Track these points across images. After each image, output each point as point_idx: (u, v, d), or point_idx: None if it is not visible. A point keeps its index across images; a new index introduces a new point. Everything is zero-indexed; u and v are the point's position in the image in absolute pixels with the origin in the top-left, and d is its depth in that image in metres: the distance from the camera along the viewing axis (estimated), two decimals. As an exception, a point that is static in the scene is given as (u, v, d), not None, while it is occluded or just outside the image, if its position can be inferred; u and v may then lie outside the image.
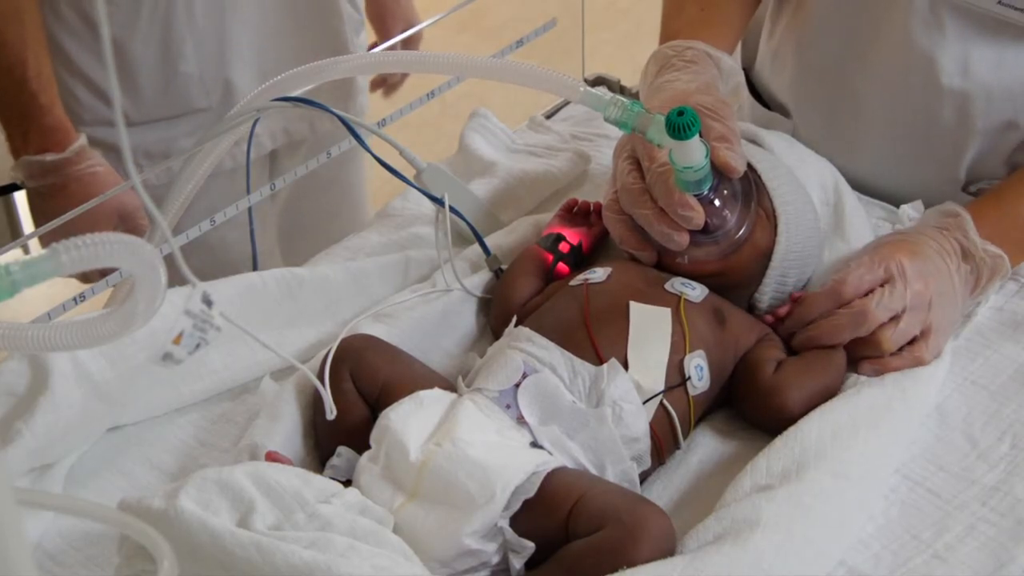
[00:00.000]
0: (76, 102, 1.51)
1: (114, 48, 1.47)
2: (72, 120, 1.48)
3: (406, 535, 0.91)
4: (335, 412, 1.00)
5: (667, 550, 0.90)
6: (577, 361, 1.01)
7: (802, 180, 1.21)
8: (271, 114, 1.24)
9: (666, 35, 1.32)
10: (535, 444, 0.97)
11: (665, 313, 1.06)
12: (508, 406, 0.99)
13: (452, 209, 1.21)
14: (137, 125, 1.53)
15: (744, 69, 1.49)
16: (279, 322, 1.16)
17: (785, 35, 1.37)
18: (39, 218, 1.47)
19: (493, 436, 0.96)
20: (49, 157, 1.41)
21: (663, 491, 1.03)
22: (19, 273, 0.70)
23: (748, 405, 1.08)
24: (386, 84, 1.82)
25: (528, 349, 1.02)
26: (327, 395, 1.00)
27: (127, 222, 1.45)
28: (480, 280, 1.20)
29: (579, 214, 1.24)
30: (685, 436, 1.05)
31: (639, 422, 0.99)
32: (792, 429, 1.00)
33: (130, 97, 1.52)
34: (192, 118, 1.55)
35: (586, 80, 1.60)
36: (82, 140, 1.44)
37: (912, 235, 1.15)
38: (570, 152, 1.42)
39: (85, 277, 1.27)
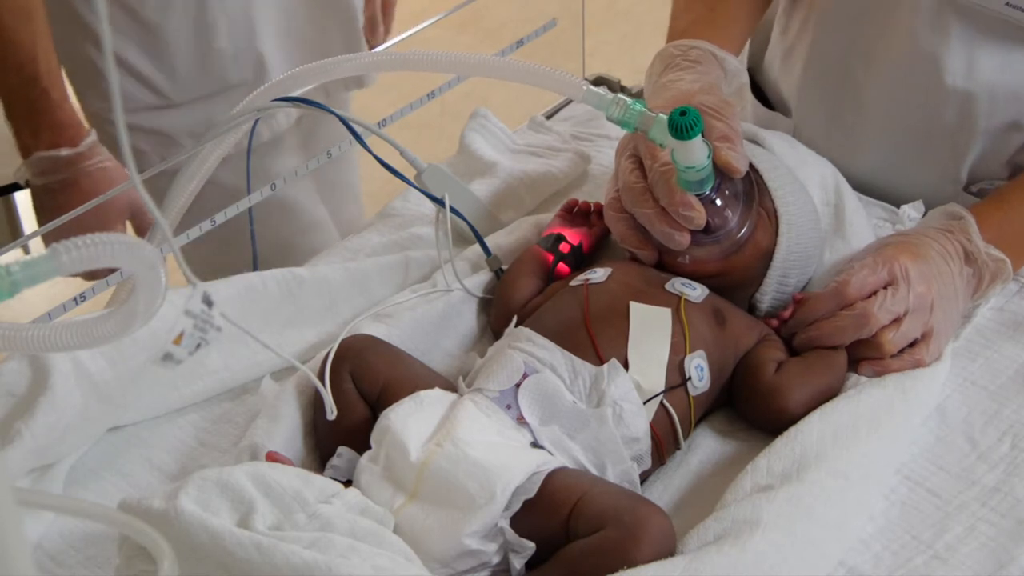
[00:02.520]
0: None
1: (150, 31, 1.50)
2: (110, 107, 1.48)
3: (406, 535, 0.91)
4: (335, 412, 1.00)
5: (667, 550, 0.90)
6: (578, 361, 1.01)
7: (803, 180, 1.21)
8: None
9: (673, 33, 1.32)
10: (535, 444, 0.97)
11: (665, 313, 1.06)
12: (508, 406, 0.99)
13: (452, 209, 1.21)
14: (178, 107, 1.54)
15: (750, 67, 1.49)
16: (279, 322, 1.16)
17: (799, 34, 1.37)
18: (44, 216, 1.48)
19: (494, 436, 0.96)
20: (63, 152, 1.42)
21: (663, 491, 1.03)
22: (19, 273, 0.70)
23: (749, 405, 1.08)
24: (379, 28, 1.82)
25: (528, 349, 1.02)
26: (327, 395, 1.00)
27: (137, 218, 1.46)
28: (480, 280, 1.20)
29: (579, 214, 1.24)
30: (685, 436, 1.05)
31: (639, 422, 0.99)
32: (793, 429, 1.00)
33: (169, 78, 1.53)
34: (229, 95, 1.55)
35: (586, 80, 1.60)
36: (93, 136, 1.45)
37: (915, 237, 1.15)
38: (570, 152, 1.42)
39: (91, 275, 1.28)
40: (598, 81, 1.60)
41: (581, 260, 1.20)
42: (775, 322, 1.13)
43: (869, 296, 1.08)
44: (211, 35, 1.52)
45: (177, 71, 1.53)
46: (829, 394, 1.05)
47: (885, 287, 1.08)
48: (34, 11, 1.38)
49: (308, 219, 1.72)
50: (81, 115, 1.51)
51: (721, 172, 1.08)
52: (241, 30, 1.54)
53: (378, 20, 1.77)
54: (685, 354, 1.04)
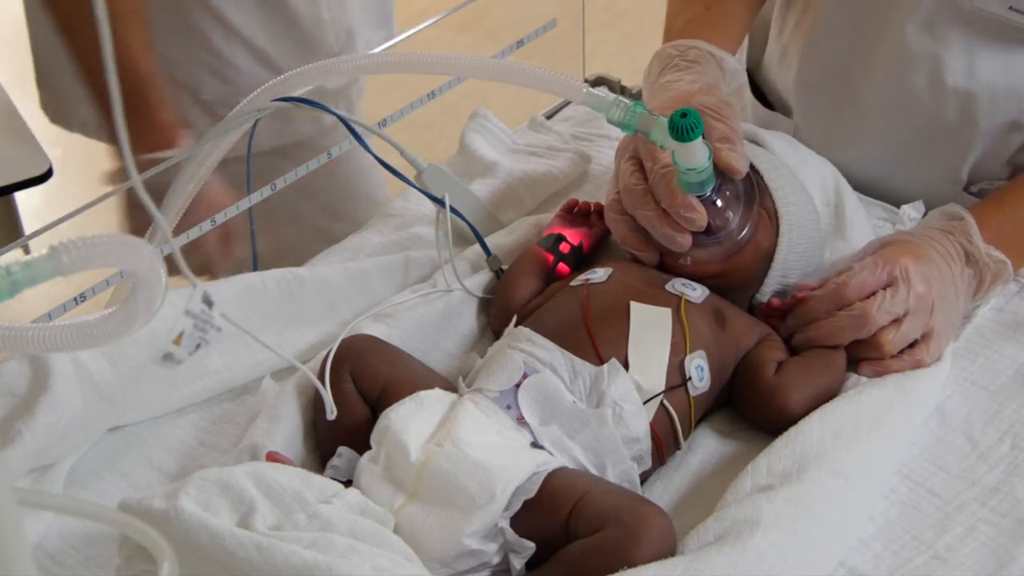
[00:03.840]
0: (233, 70, 1.57)
1: (272, 3, 1.57)
2: (231, 92, 1.54)
3: (406, 535, 0.91)
4: (335, 412, 1.00)
5: (668, 550, 0.90)
6: (578, 361, 1.01)
7: (803, 181, 1.21)
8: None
9: (670, 33, 1.32)
10: (536, 444, 0.97)
11: (666, 313, 1.06)
12: (509, 406, 0.99)
13: (452, 209, 1.21)
14: None
15: (749, 67, 1.49)
16: (279, 322, 1.16)
17: (794, 34, 1.37)
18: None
19: (494, 436, 0.96)
20: (163, 155, 1.44)
21: (664, 491, 1.03)
22: (19, 273, 0.70)
23: (750, 405, 1.08)
24: None
25: (529, 349, 1.02)
26: (327, 395, 1.00)
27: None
28: (481, 280, 1.20)
29: (580, 214, 1.24)
30: (686, 436, 1.05)
31: (640, 422, 0.99)
32: (793, 429, 1.00)
33: (298, 49, 1.59)
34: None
35: (587, 81, 1.60)
36: (188, 137, 1.48)
37: (916, 237, 1.15)
38: (571, 152, 1.42)
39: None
40: (598, 81, 1.60)
41: (581, 260, 1.20)
42: (776, 301, 1.13)
43: (869, 297, 1.08)
44: (319, 7, 1.59)
45: (297, 44, 1.59)
46: (829, 394, 1.05)
47: (885, 288, 1.08)
48: (138, 13, 1.43)
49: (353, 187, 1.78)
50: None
51: (722, 173, 1.08)
52: (335, 3, 1.61)
53: None
54: (685, 354, 1.04)
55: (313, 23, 1.60)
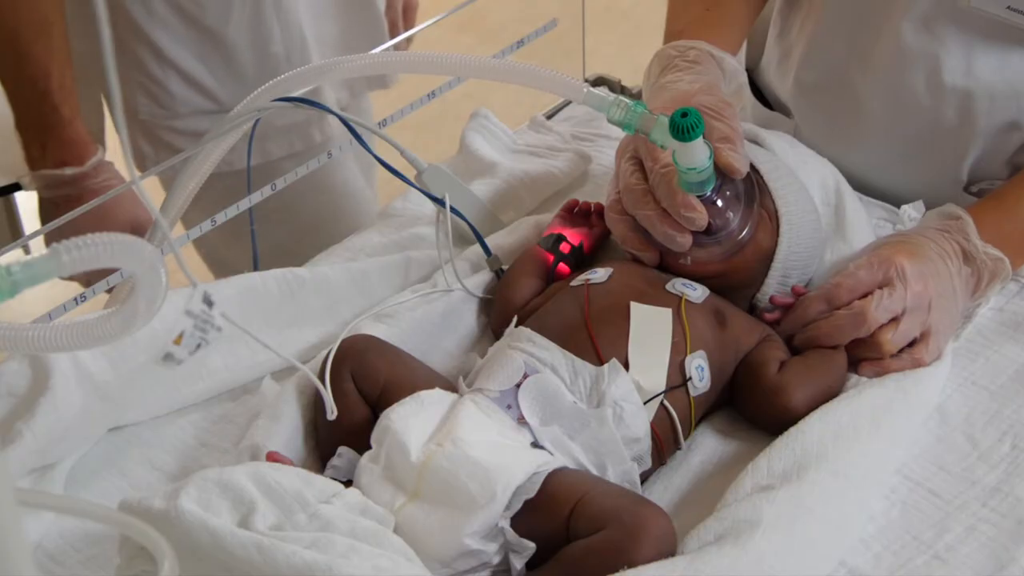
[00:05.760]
0: (168, 95, 1.55)
1: (212, 37, 1.53)
2: (166, 115, 1.53)
3: (407, 535, 0.91)
4: (336, 412, 1.00)
5: (668, 551, 0.90)
6: (578, 361, 1.01)
7: (803, 181, 1.21)
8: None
9: (670, 34, 1.32)
10: (536, 444, 0.97)
11: (666, 313, 1.06)
12: (509, 406, 0.99)
13: (453, 210, 1.21)
14: (231, 111, 1.58)
15: (748, 68, 1.49)
16: (280, 322, 1.16)
17: (797, 36, 1.37)
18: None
19: (494, 436, 0.96)
20: (68, 171, 1.43)
21: (664, 491, 1.03)
22: (19, 273, 0.70)
23: (752, 405, 1.08)
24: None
25: (529, 349, 1.02)
26: (328, 395, 1.00)
27: (138, 233, 1.47)
28: (481, 280, 1.20)
29: (580, 215, 1.24)
30: (686, 436, 1.05)
31: (640, 422, 0.99)
32: (793, 429, 1.00)
33: (237, 81, 1.56)
34: None
35: (587, 80, 1.60)
36: (100, 155, 1.46)
37: (913, 237, 1.15)
38: (571, 152, 1.42)
39: (87, 280, 1.28)
40: (598, 81, 1.60)
41: (582, 260, 1.20)
42: (777, 300, 1.13)
43: (866, 296, 1.08)
44: (267, 41, 1.55)
45: (242, 74, 1.56)
46: (831, 394, 1.05)
47: (882, 287, 1.08)
48: (51, 26, 1.40)
49: (347, 188, 1.75)
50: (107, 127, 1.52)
51: (722, 173, 1.08)
52: (292, 36, 1.57)
53: (399, 25, 1.79)
54: (686, 354, 1.04)
55: (259, 57, 1.56)
